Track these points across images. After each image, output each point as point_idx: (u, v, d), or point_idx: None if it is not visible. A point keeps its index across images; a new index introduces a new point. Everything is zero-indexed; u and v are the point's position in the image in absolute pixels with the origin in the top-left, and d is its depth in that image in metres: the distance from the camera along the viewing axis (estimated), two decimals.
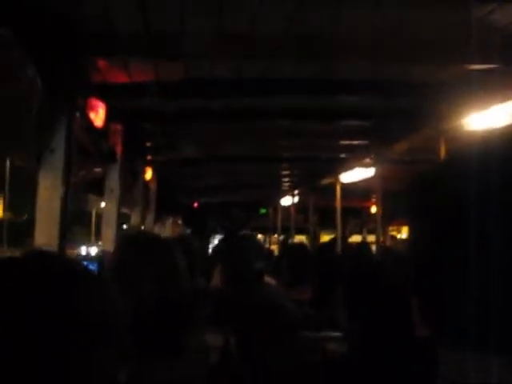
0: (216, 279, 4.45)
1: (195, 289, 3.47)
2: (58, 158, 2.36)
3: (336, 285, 3.63)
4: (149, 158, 5.49)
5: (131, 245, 1.83)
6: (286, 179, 9.37)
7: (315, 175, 8.09)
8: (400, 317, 1.91)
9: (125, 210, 5.71)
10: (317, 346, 2.77)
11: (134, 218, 5.15)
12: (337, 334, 3.15)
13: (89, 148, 3.28)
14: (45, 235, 2.45)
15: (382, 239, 7.07)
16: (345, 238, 10.79)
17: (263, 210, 13.18)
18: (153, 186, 6.10)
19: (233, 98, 3.82)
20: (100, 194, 3.75)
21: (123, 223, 5.77)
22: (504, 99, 3.33)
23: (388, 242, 11.97)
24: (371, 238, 10.18)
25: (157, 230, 8.33)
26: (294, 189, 10.14)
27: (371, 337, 2.20)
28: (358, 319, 2.34)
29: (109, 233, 3.59)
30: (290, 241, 10.77)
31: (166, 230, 9.82)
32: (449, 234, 0.63)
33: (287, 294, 3.52)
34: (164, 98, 3.64)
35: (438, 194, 0.66)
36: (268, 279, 3.51)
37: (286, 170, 8.29)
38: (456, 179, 0.65)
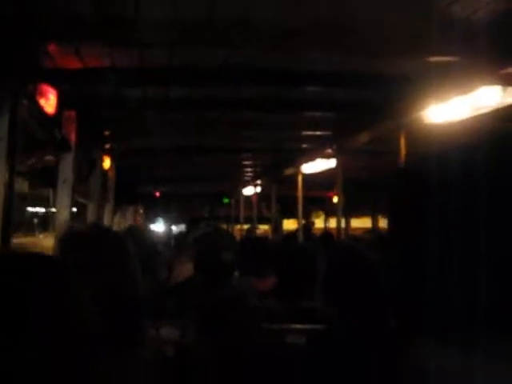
0: (179, 270, 4.40)
1: (154, 282, 3.41)
2: (1, 146, 2.25)
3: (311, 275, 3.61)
4: (107, 146, 5.38)
5: (80, 241, 1.76)
6: (249, 169, 9.35)
7: (277, 166, 8.09)
8: (375, 307, 1.89)
9: (81, 200, 5.59)
10: (278, 338, 2.74)
11: (91, 209, 5.03)
12: (298, 326, 3.13)
13: (40, 136, 3.17)
14: None
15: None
16: (308, 228, 10.85)
17: (226, 200, 13.16)
18: (111, 175, 5.98)
19: (192, 87, 3.75)
20: (52, 184, 3.63)
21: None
22: (464, 92, 3.33)
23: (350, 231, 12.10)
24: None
25: (116, 219, 8.22)
26: (257, 179, 10.13)
27: (350, 324, 2.19)
28: (336, 306, 2.33)
29: (62, 225, 3.47)
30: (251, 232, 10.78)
31: (127, 219, 9.71)
32: (419, 231, 0.62)
33: (250, 285, 3.50)
34: (121, 85, 3.54)
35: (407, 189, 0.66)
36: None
37: (248, 160, 8.27)
38: (418, 178, 0.64)
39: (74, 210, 5.06)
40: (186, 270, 3.99)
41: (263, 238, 7.14)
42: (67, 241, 1.80)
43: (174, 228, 13.65)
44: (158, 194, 12.27)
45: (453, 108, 3.47)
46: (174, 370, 2.05)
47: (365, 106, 4.30)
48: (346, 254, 2.88)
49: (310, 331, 3.08)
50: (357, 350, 2.34)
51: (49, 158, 3.70)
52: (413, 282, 0.62)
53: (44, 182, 4.68)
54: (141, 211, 12.18)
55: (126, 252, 1.79)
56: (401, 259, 0.64)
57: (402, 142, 4.16)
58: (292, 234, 8.56)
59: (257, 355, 2.18)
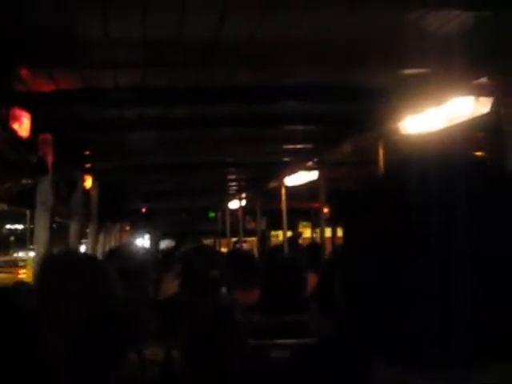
0: (166, 287, 4.38)
1: (140, 300, 3.39)
2: None
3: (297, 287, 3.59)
4: (88, 165, 5.35)
5: (55, 269, 1.75)
6: (233, 183, 9.35)
7: (261, 179, 8.10)
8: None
9: (63, 221, 5.55)
10: (262, 353, 2.73)
11: (73, 229, 5.00)
12: (282, 341, 3.11)
13: (15, 160, 3.14)
14: None
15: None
16: (295, 239, 10.85)
17: (212, 214, 13.13)
18: (94, 195, 5.95)
19: (169, 106, 3.74)
20: (30, 207, 3.60)
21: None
22: (438, 102, 3.35)
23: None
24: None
25: (101, 238, 8.16)
26: (241, 192, 10.13)
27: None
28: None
29: (40, 248, 3.44)
30: (238, 245, 10.76)
31: (113, 237, 9.65)
32: (387, 241, 0.60)
33: (235, 298, 3.48)
34: (95, 106, 3.53)
35: (377, 198, 0.64)
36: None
37: (232, 174, 8.27)
38: (395, 189, 0.62)
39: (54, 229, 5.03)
40: (172, 286, 3.97)
41: (248, 251, 7.12)
42: (45, 269, 1.79)
43: (162, 243, 13.60)
44: (144, 209, 12.23)
45: (428, 119, 3.49)
46: None
47: (343, 118, 4.31)
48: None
49: (294, 346, 3.06)
50: (345, 366, 2.33)
51: (26, 181, 3.67)
52: (385, 300, 0.60)
53: (22, 204, 4.64)
54: (127, 228, 12.11)
55: (104, 273, 1.78)
56: (368, 275, 0.61)
57: (381, 152, 4.18)
58: (278, 246, 8.56)
59: (241, 371, 2.17)
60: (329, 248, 7.91)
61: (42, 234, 3.55)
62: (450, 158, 0.61)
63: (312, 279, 4.83)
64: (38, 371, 0.82)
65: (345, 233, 0.66)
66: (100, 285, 1.75)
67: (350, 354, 2.22)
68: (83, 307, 1.66)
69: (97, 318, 1.68)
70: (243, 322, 2.50)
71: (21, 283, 3.42)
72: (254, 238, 12.36)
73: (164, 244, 13.29)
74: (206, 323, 2.24)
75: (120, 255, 3.47)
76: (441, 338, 0.56)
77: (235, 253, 5.98)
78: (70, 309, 1.65)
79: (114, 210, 8.08)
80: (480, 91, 3.14)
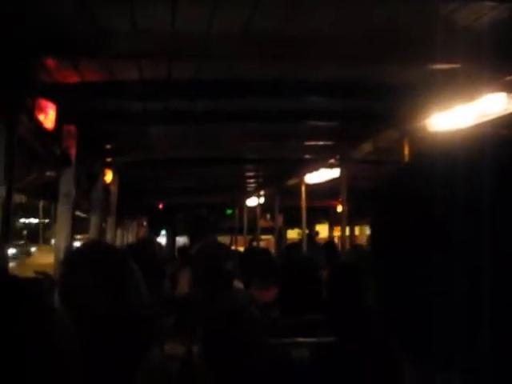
0: (183, 283, 4.37)
1: (158, 296, 3.39)
2: None
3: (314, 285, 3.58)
4: (109, 160, 5.35)
5: (81, 264, 1.73)
6: (252, 180, 9.32)
7: (280, 176, 8.05)
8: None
9: (83, 215, 5.56)
10: (283, 352, 2.70)
11: (94, 223, 5.00)
12: (302, 339, 3.08)
13: (40, 151, 3.14)
14: None
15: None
16: (312, 237, 10.81)
17: (229, 211, 13.12)
18: (114, 189, 5.96)
19: (192, 100, 3.72)
20: (53, 199, 3.59)
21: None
22: (468, 99, 3.29)
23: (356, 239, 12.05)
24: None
25: (119, 233, 8.19)
26: (260, 190, 10.10)
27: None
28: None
29: (62, 241, 3.43)
30: (254, 243, 10.74)
31: (130, 232, 9.68)
32: (414, 238, 0.58)
33: (253, 296, 3.46)
34: (121, 98, 3.52)
35: (402, 196, 0.62)
36: (236, 283, 3.45)
37: (251, 171, 8.24)
38: (419, 181, 0.60)
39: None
40: (188, 282, 3.97)
41: (266, 249, 7.11)
42: (69, 264, 1.77)
43: (178, 239, 13.62)
44: (161, 206, 12.26)
45: (457, 116, 3.43)
46: None
47: (368, 115, 4.26)
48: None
49: (314, 345, 3.04)
50: (361, 366, 2.30)
51: (49, 173, 3.67)
52: (406, 300, 0.58)
53: (45, 196, 4.65)
54: (144, 223, 12.15)
55: (130, 270, 1.76)
56: (394, 277, 0.59)
57: (406, 150, 4.13)
58: (295, 245, 8.52)
59: (260, 369, 2.15)
60: (347, 247, 7.87)
61: (63, 226, 3.55)
62: (479, 155, 0.58)
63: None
64: (50, 369, 0.79)
65: (372, 233, 0.65)
66: (126, 281, 1.73)
67: (368, 354, 2.18)
68: (108, 303, 1.64)
69: (122, 314, 1.66)
70: (262, 319, 2.48)
71: (43, 275, 3.41)
72: (269, 236, 12.33)
73: (181, 240, 13.31)
74: (222, 319, 2.22)
75: (138, 251, 3.46)
76: (466, 341, 0.54)
77: (253, 250, 5.97)
78: (94, 305, 1.63)
79: (133, 205, 8.09)
80: None
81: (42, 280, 3.31)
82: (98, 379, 1.51)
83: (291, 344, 3.01)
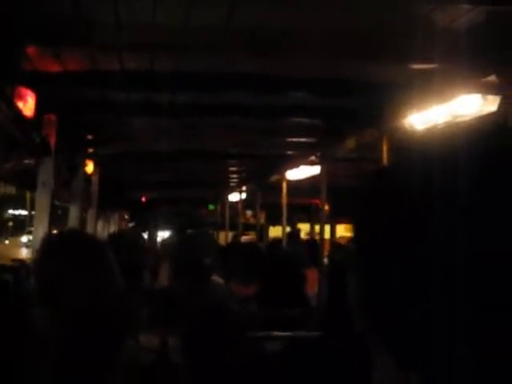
0: (163, 275, 4.37)
1: (136, 287, 3.40)
2: None
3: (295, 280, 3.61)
4: (90, 150, 5.34)
5: (58, 252, 1.72)
6: (234, 175, 9.33)
7: (262, 172, 8.07)
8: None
9: (63, 204, 5.54)
10: (257, 345, 2.73)
11: (73, 213, 4.99)
12: (277, 333, 3.12)
13: (19, 139, 3.13)
14: None
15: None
16: (296, 234, 10.83)
17: (212, 207, 13.11)
18: (95, 180, 5.94)
19: (176, 91, 3.73)
20: (31, 187, 3.59)
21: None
22: (445, 99, 3.33)
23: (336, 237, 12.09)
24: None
25: (100, 224, 8.17)
26: (242, 185, 10.11)
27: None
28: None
29: (40, 230, 3.43)
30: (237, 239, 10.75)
31: (111, 225, 9.64)
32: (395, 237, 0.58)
33: (233, 290, 3.48)
34: (103, 88, 3.52)
35: (382, 193, 0.63)
36: (215, 277, 3.46)
37: (233, 166, 8.24)
38: (399, 179, 0.61)
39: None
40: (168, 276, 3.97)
41: (249, 244, 7.11)
42: (46, 252, 1.77)
43: (160, 233, 13.59)
44: (143, 199, 12.22)
45: (433, 116, 3.48)
46: (152, 378, 2.03)
47: (349, 112, 4.29)
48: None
49: (288, 338, 3.07)
50: (335, 360, 2.33)
51: (28, 161, 3.66)
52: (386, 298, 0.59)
53: (23, 185, 4.63)
54: (126, 217, 12.12)
55: (108, 260, 1.76)
56: (374, 275, 0.60)
57: (385, 148, 4.17)
58: (278, 241, 8.56)
59: (236, 362, 2.17)
60: (327, 245, 7.92)
61: (42, 215, 3.54)
62: (455, 152, 0.59)
63: (310, 275, 4.84)
64: (30, 359, 0.80)
65: (354, 232, 0.66)
66: (102, 272, 1.73)
67: (341, 350, 2.21)
68: (83, 294, 1.64)
69: (98, 305, 1.66)
70: (240, 313, 2.50)
71: (19, 263, 3.40)
72: (251, 233, 12.34)
73: (162, 234, 13.28)
74: (202, 315, 2.24)
75: (118, 242, 3.46)
76: (443, 342, 0.54)
77: (239, 245, 5.97)
78: (69, 295, 1.63)
79: (114, 197, 8.07)
80: (488, 89, 3.12)
81: (18, 268, 3.30)
82: (73, 368, 1.52)
83: (266, 337, 3.04)
